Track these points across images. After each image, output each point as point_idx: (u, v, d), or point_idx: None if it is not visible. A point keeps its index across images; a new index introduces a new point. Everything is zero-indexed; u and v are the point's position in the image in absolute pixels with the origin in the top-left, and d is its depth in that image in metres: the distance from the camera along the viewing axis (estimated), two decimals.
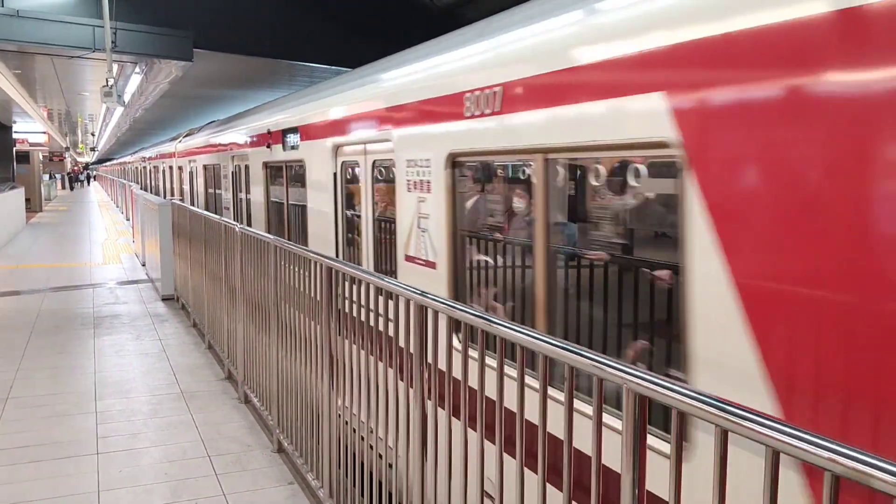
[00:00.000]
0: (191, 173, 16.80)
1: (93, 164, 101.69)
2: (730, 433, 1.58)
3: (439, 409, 3.06)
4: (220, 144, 12.92)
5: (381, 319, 3.56)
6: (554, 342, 2.20)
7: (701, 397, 1.66)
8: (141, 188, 24.54)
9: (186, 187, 17.64)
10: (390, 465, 3.59)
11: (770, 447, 1.48)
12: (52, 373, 7.46)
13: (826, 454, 1.34)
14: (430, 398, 3.11)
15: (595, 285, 3.87)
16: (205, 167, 14.69)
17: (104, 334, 9.12)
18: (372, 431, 3.79)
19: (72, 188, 61.78)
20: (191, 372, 7.52)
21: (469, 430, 2.73)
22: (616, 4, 3.27)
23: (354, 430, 4.05)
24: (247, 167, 10.50)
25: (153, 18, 16.62)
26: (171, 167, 21.05)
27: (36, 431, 5.84)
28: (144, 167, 30.98)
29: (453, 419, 2.87)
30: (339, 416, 4.18)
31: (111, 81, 14.27)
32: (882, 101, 2.04)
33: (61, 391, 6.86)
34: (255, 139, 9.82)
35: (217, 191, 13.39)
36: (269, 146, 8.88)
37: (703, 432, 2.61)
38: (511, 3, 4.55)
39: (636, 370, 1.86)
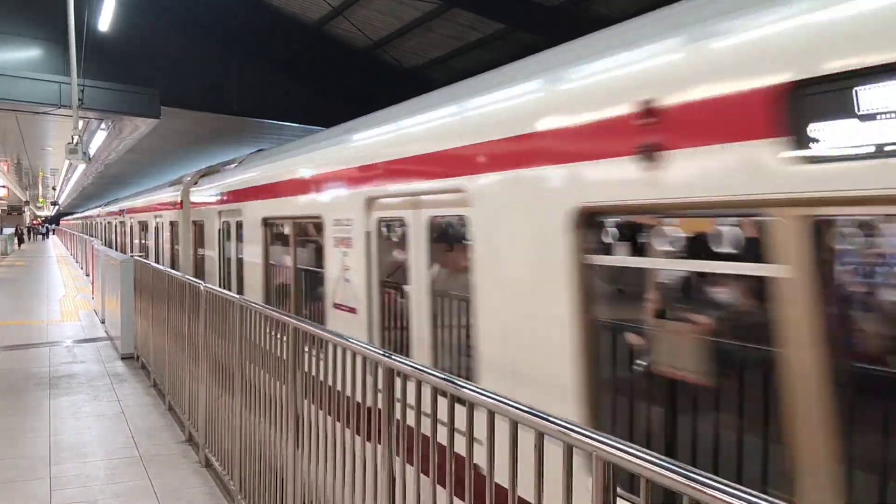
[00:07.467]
0: (130, 227, 21.28)
1: (53, 217, 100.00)
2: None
3: (408, 468, 3.02)
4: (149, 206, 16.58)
5: (346, 381, 3.53)
6: (520, 406, 2.19)
7: (672, 466, 1.65)
8: (101, 242, 25.12)
9: (128, 240, 22.04)
10: None
11: None
12: (5, 436, 7.18)
13: None
14: (398, 456, 3.07)
15: None
16: (139, 223, 18.69)
17: (60, 395, 8.85)
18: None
19: (20, 243, 59.59)
20: (150, 434, 7.31)
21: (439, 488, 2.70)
22: None
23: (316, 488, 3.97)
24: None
25: (120, 75, 16.69)
26: (120, 223, 25.04)
27: None
28: (99, 222, 35.15)
29: (422, 477, 2.84)
30: (305, 480, 4.09)
31: (76, 138, 14.15)
32: None
33: (13, 455, 6.60)
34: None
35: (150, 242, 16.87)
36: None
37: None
38: (470, 68, 4.69)
39: (605, 437, 1.85)
